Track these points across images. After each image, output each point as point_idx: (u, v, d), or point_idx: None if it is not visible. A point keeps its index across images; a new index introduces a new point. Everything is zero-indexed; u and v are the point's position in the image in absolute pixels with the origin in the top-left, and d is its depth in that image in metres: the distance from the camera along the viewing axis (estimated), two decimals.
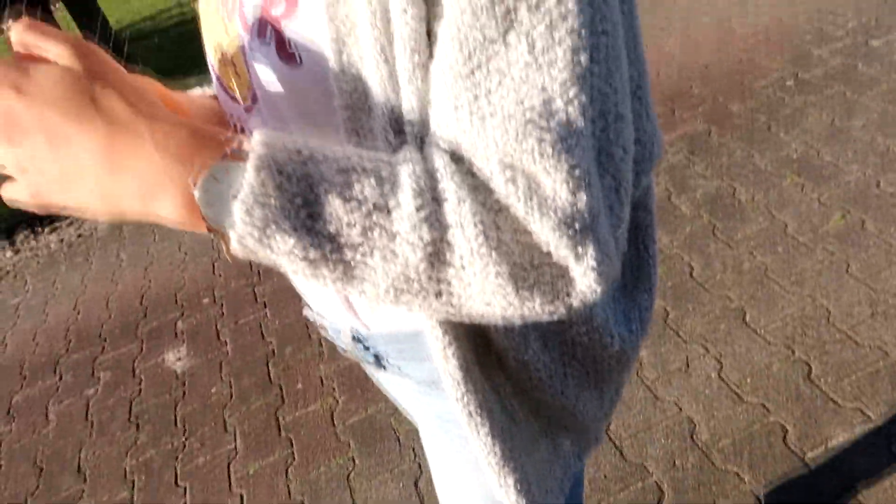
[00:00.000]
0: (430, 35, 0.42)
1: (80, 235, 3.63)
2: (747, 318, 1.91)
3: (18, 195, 0.43)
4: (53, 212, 0.43)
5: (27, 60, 0.42)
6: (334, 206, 0.40)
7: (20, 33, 0.43)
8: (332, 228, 0.40)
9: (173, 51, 5.97)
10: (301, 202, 0.40)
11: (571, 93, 0.40)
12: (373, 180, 0.41)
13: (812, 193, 2.27)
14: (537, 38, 0.39)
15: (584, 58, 0.40)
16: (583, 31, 0.40)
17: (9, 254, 3.71)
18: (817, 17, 3.22)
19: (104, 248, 3.38)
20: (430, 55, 0.42)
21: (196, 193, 0.40)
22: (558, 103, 0.40)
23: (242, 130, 0.58)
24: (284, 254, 0.40)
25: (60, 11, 6.92)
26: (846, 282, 1.93)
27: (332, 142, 0.48)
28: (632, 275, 0.68)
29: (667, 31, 3.53)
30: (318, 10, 0.45)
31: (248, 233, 0.40)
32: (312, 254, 0.41)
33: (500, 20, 0.39)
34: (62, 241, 3.64)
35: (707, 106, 2.87)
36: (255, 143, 0.40)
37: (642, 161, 0.54)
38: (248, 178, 0.39)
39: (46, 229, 3.78)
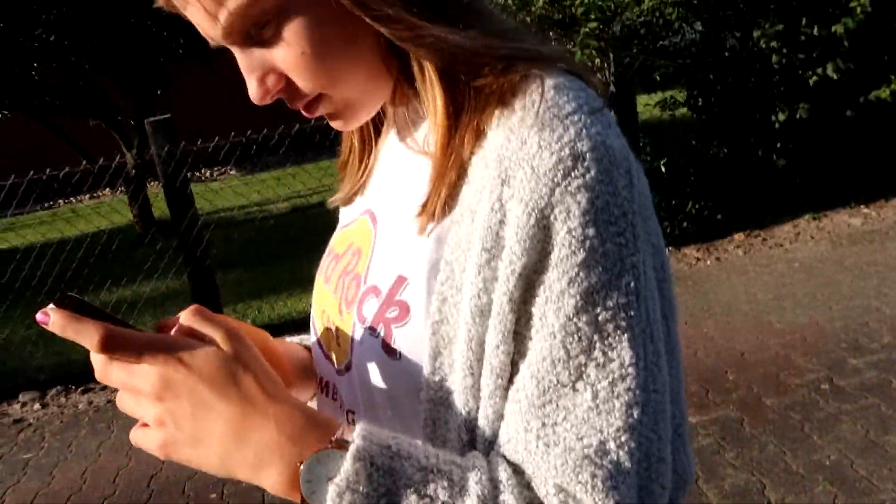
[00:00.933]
0: (511, 365, 0.52)
1: (109, 401, 3.68)
2: None
3: (148, 442, 0.52)
4: (173, 461, 0.51)
5: (187, 335, 0.53)
6: (410, 499, 0.47)
7: (189, 317, 0.54)
8: None
9: (247, 244, 6.44)
10: (384, 491, 0.47)
11: (623, 438, 0.48)
12: (445, 482, 0.48)
13: None
14: (600, 390, 0.49)
15: (636, 411, 0.49)
16: (637, 391, 0.49)
17: (36, 406, 3.76)
18: (853, 327, 3.35)
19: (129, 418, 3.40)
20: (510, 381, 0.52)
21: (301, 472, 0.48)
22: (611, 446, 0.48)
23: (332, 390, 0.68)
24: None
25: (155, 189, 7.65)
26: None
27: (411, 422, 0.56)
28: None
29: (707, 314, 3.69)
30: (424, 322, 0.56)
31: None
32: None
33: (572, 371, 0.49)
34: (91, 403, 3.69)
35: (741, 394, 2.91)
36: (355, 435, 0.49)
37: (676, 489, 0.60)
38: (345, 466, 0.47)
39: (79, 389, 3.86)
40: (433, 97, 0.56)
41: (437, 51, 0.54)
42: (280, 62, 0.56)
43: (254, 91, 0.58)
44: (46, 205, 9.80)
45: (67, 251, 4.58)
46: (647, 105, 5.65)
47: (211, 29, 0.55)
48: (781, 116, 4.72)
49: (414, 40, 0.54)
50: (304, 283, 4.86)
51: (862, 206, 4.86)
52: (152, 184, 7.97)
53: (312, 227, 5.85)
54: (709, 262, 4.43)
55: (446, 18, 0.54)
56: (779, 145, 4.88)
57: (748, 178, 4.95)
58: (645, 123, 5.50)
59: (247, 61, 0.57)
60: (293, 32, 0.54)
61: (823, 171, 4.95)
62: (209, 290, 4.07)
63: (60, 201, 10.38)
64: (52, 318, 0.49)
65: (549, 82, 0.53)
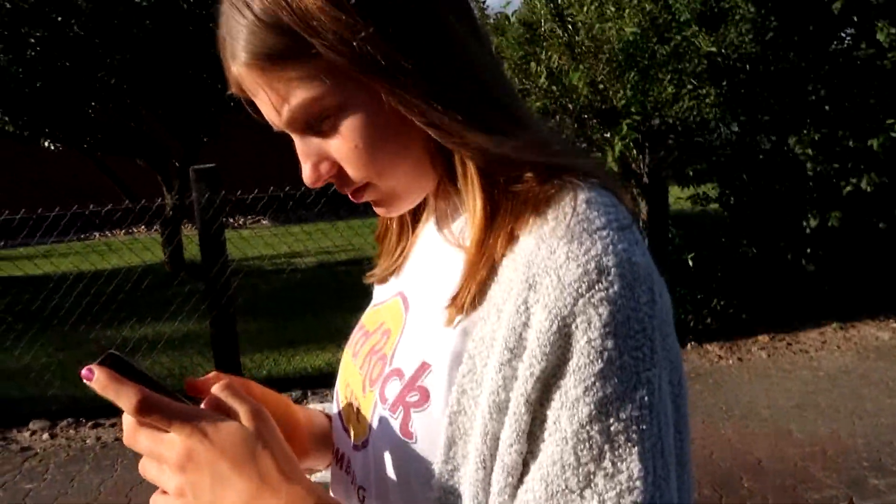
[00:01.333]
0: (523, 464, 0.53)
1: (117, 439, 3.68)
2: None
3: None
4: None
5: (214, 406, 0.56)
6: None
7: (219, 389, 0.57)
8: None
9: (271, 294, 6.52)
10: None
11: None
12: None
13: None
14: (607, 500, 0.50)
15: None
16: None
17: (45, 436, 3.77)
18: (875, 442, 3.25)
19: (132, 459, 3.40)
20: (520, 480, 0.53)
21: None
22: None
23: (346, 463, 0.69)
24: None
25: (188, 230, 7.82)
26: None
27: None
28: None
29: (726, 415, 3.62)
30: (443, 411, 0.58)
31: None
32: None
33: (581, 478, 0.50)
34: (98, 439, 3.69)
35: (756, 503, 2.82)
36: None
37: None
38: None
39: (89, 423, 3.87)
40: (473, 196, 0.60)
41: (481, 155, 0.58)
42: (334, 152, 0.61)
43: (307, 175, 0.62)
44: (82, 235, 10.05)
45: (98, 284, 4.68)
46: (679, 198, 5.70)
47: (275, 118, 0.60)
48: (813, 223, 4.72)
49: (459, 143, 0.58)
50: (322, 339, 4.91)
51: (891, 320, 4.78)
52: (186, 225, 8.16)
53: (337, 285, 5.91)
54: (731, 361, 4.36)
55: (492, 126, 0.58)
56: (809, 251, 4.87)
57: (776, 280, 4.92)
58: (676, 215, 5.54)
59: (304, 147, 0.62)
60: (349, 127, 0.59)
61: (853, 280, 4.90)
62: (229, 338, 4.11)
63: (96, 234, 10.65)
64: (96, 376, 0.52)
65: (582, 196, 0.57)
